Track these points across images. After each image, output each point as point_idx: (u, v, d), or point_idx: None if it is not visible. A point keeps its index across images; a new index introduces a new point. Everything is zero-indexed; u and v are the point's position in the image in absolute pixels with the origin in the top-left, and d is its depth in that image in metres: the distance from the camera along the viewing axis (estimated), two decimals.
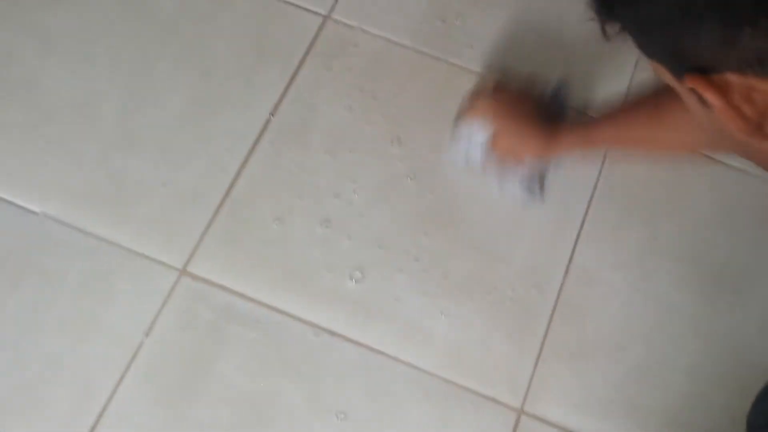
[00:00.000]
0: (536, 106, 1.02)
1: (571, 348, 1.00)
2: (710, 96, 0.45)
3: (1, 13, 1.17)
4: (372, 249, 1.04)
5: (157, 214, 1.05)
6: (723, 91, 0.44)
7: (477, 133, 1.02)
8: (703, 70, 0.45)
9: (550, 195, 1.07)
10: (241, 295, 1.01)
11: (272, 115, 1.10)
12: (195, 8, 1.18)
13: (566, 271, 1.04)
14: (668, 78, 0.50)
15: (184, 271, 1.02)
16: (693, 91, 0.46)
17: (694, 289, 1.03)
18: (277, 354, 0.98)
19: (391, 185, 1.08)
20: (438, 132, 1.11)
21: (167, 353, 0.98)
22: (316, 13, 1.19)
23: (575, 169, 1.08)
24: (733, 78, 0.43)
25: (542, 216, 1.07)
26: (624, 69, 1.16)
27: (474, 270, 1.04)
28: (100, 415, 0.95)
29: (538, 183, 1.05)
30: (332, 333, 1.00)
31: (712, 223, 1.07)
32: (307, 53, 1.16)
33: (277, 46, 1.16)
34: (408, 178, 1.09)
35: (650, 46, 0.48)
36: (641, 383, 0.98)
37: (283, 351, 0.99)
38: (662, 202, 1.08)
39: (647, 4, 0.45)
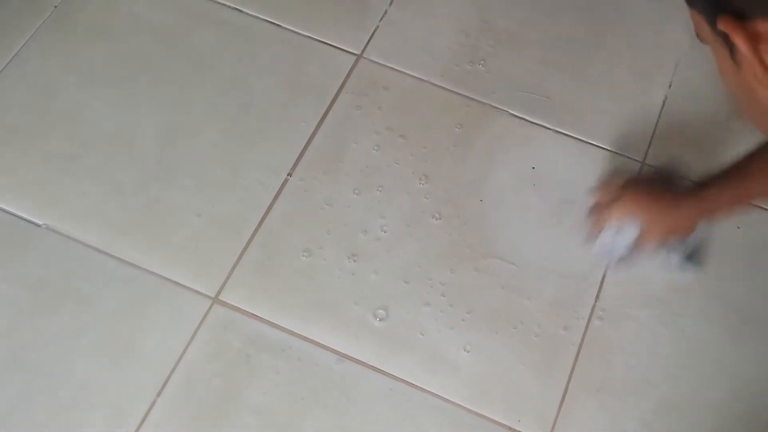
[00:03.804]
0: (667, 187, 1.01)
1: (598, 383, 1.00)
2: (739, 40, 0.46)
3: (45, 47, 1.22)
4: (398, 283, 1.06)
5: (191, 243, 1.07)
6: (752, 39, 0.46)
7: (621, 233, 0.98)
8: (737, 16, 0.46)
9: (582, 231, 1.08)
10: (271, 324, 1.03)
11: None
12: (233, 45, 1.22)
13: (593, 307, 1.05)
14: (704, 30, 0.51)
15: (216, 299, 1.04)
16: (724, 40, 0.47)
17: (721, 327, 1.04)
18: (304, 382, 1.00)
19: (418, 222, 1.10)
20: (465, 169, 1.14)
21: (198, 380, 0.99)
22: (349, 52, 1.23)
23: None
24: (763, 27, 0.45)
25: (570, 252, 1.08)
26: (653, 110, 1.19)
27: (500, 305, 1.05)
28: None
29: (695, 252, 1.04)
30: (359, 362, 1.01)
31: (740, 261, 1.08)
32: (339, 91, 1.19)
33: (311, 84, 1.20)
34: (435, 214, 1.11)
35: None
36: (668, 419, 0.99)
37: (310, 380, 1.00)
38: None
39: None
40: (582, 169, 1.14)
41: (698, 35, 0.56)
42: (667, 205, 0.98)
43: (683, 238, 1.02)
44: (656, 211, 0.98)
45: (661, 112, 1.19)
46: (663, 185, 1.02)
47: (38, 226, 1.08)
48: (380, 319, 1.04)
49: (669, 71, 1.23)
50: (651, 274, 1.05)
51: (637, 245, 0.99)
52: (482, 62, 1.23)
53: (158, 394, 0.98)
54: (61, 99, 1.17)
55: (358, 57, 1.22)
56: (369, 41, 1.24)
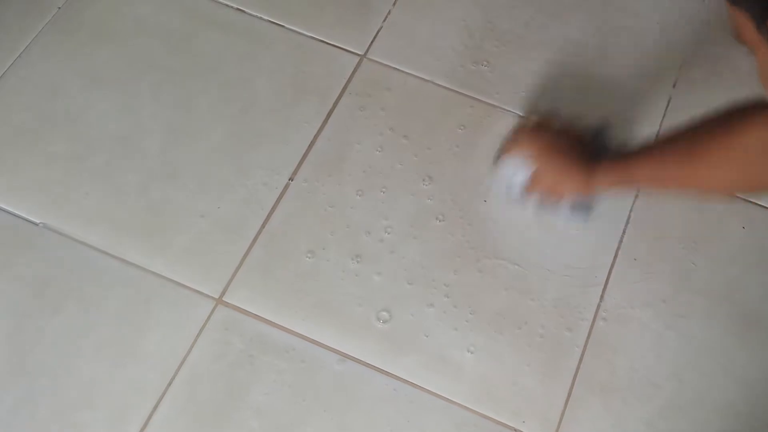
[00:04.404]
0: (577, 145, 1.02)
1: (603, 384, 1.00)
2: None
3: (49, 48, 1.22)
4: (402, 284, 1.06)
5: (195, 244, 1.07)
6: None
7: (518, 170, 1.03)
8: None
9: (582, 232, 1.08)
10: (274, 325, 1.03)
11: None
12: (236, 47, 1.22)
13: (598, 307, 1.04)
14: (748, 30, 0.51)
15: (220, 301, 1.04)
16: None
17: (725, 327, 1.04)
18: (308, 383, 0.99)
19: (422, 223, 1.10)
20: (469, 170, 1.13)
21: (202, 380, 0.99)
22: (352, 53, 1.23)
23: (607, 207, 1.10)
24: None
25: (574, 252, 1.08)
26: (657, 111, 1.18)
27: (504, 306, 1.05)
28: None
29: (580, 210, 1.06)
30: (362, 363, 1.01)
31: (745, 262, 1.08)
32: (342, 92, 1.19)
33: (314, 85, 1.20)
34: (439, 215, 1.11)
35: None
36: (673, 420, 0.98)
37: (313, 380, 1.00)
38: (695, 240, 1.09)
39: None
40: None
41: (738, 36, 0.55)
42: (566, 160, 0.99)
43: (570, 199, 1.03)
44: (552, 159, 1.00)
45: (665, 113, 1.18)
46: (577, 141, 1.02)
47: (36, 224, 1.08)
48: (383, 321, 1.03)
49: (673, 72, 1.22)
50: (531, 212, 1.08)
51: (526, 187, 1.04)
52: (486, 63, 1.22)
53: (162, 395, 0.98)
54: (64, 100, 1.17)
55: (362, 58, 1.22)
56: (372, 42, 1.24)
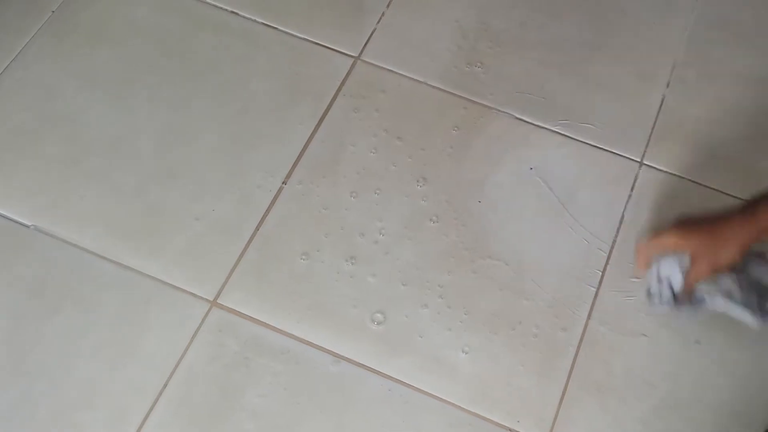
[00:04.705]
0: (723, 213, 0.92)
1: (598, 383, 1.00)
2: None
3: (45, 50, 1.22)
4: (396, 286, 1.06)
5: (191, 246, 1.08)
6: None
7: (672, 266, 0.95)
8: None
9: (580, 231, 1.09)
10: (269, 327, 1.03)
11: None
12: (232, 49, 1.23)
13: (592, 307, 1.05)
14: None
15: (214, 303, 1.04)
16: None
17: (720, 326, 1.04)
18: (303, 384, 1.00)
19: (416, 224, 1.10)
20: (463, 171, 1.14)
21: (198, 382, 0.99)
22: (347, 54, 1.23)
23: (601, 207, 1.10)
24: None
25: (568, 252, 1.08)
26: (651, 110, 1.19)
27: (498, 306, 1.05)
28: None
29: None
30: (358, 365, 1.01)
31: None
32: (337, 93, 1.20)
33: (308, 86, 1.20)
34: (433, 216, 1.11)
35: None
36: (668, 419, 0.98)
37: (309, 382, 1.00)
38: None
39: None
40: (580, 169, 1.14)
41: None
42: (714, 230, 0.91)
43: (738, 272, 0.93)
44: (701, 236, 0.91)
45: (659, 112, 1.19)
46: (720, 212, 0.93)
47: (27, 227, 1.08)
48: (378, 323, 1.04)
49: (666, 71, 1.23)
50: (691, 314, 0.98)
51: (686, 282, 0.93)
52: (480, 64, 1.23)
53: (158, 397, 0.98)
54: (60, 102, 1.18)
55: (356, 59, 1.23)
56: (366, 43, 1.24)
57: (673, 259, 0.94)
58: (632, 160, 1.15)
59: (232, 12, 1.26)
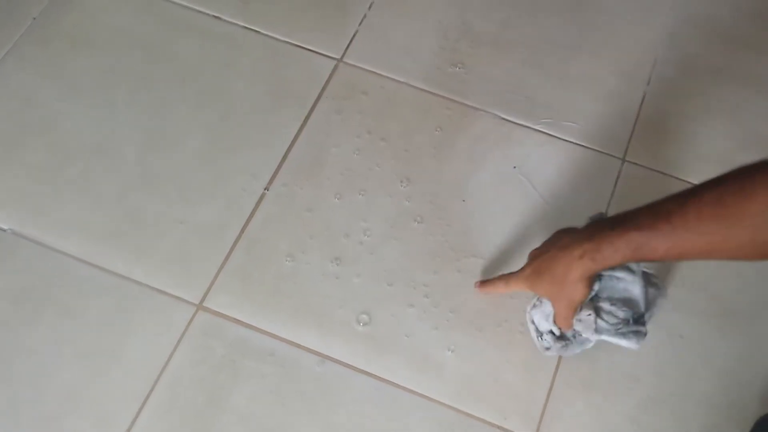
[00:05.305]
0: (569, 242, 0.84)
1: (584, 379, 1.00)
2: None
3: (23, 56, 1.22)
4: (382, 286, 1.06)
5: (175, 251, 1.07)
6: None
7: (539, 317, 0.97)
8: None
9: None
10: (255, 329, 1.03)
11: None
12: (214, 53, 1.23)
13: None
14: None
15: (200, 306, 1.04)
16: None
17: (705, 320, 1.04)
18: (290, 386, 0.99)
19: (401, 224, 1.11)
20: (446, 171, 1.14)
21: (184, 386, 0.99)
22: (329, 57, 1.23)
23: (586, 202, 1.11)
24: None
25: None
26: (632, 106, 1.20)
27: (483, 304, 1.05)
28: None
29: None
30: (344, 365, 1.01)
31: None
32: (320, 96, 1.20)
33: (291, 89, 1.20)
34: (417, 216, 1.11)
35: None
36: (654, 414, 0.99)
37: (296, 383, 1.00)
38: None
39: None
40: (563, 167, 1.15)
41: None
42: (555, 270, 0.85)
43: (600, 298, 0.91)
44: (545, 283, 0.87)
45: (640, 109, 1.20)
46: (567, 239, 0.85)
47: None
48: (364, 323, 1.04)
49: (647, 69, 1.24)
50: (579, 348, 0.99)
51: (559, 326, 0.95)
52: (462, 64, 1.23)
53: (144, 402, 0.98)
54: (41, 109, 1.17)
55: (338, 61, 1.23)
56: (349, 45, 1.24)
57: (539, 309, 0.97)
58: (615, 157, 1.16)
59: (215, 17, 1.26)
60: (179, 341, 1.01)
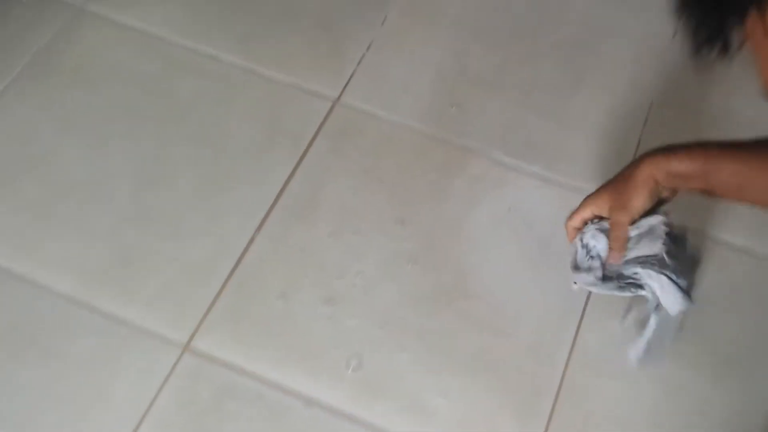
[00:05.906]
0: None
1: (578, 426, 0.98)
2: None
3: (22, 90, 1.22)
4: (375, 328, 1.04)
5: (165, 289, 1.06)
6: None
7: (594, 233, 0.96)
8: None
9: (559, 271, 1.07)
10: (243, 371, 1.01)
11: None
12: (210, 91, 1.23)
13: (571, 349, 1.03)
14: (759, 32, 0.51)
15: (187, 347, 1.02)
16: None
17: (700, 369, 1.02)
18: (277, 430, 0.97)
19: (395, 265, 1.09)
20: (443, 212, 1.13)
21: (168, 429, 0.97)
22: (326, 97, 1.23)
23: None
24: None
25: (547, 294, 1.07)
26: (628, 149, 1.19)
27: (477, 349, 1.03)
28: None
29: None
30: (334, 410, 0.99)
31: (719, 303, 1.07)
32: (315, 135, 1.20)
33: (287, 129, 1.20)
34: (412, 258, 1.10)
35: None
36: None
37: (284, 428, 0.97)
38: None
39: None
40: (558, 210, 1.13)
41: (748, 43, 0.55)
42: (620, 180, 0.91)
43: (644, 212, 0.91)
44: (609, 191, 0.92)
45: (636, 151, 1.19)
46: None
47: None
48: (354, 368, 1.02)
49: (644, 111, 1.24)
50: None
51: (611, 240, 0.93)
52: (459, 106, 1.23)
53: None
54: (37, 144, 1.17)
55: (335, 101, 1.23)
56: (346, 86, 1.25)
57: (595, 227, 0.95)
58: None
59: (212, 56, 1.27)
60: (164, 382, 0.99)
